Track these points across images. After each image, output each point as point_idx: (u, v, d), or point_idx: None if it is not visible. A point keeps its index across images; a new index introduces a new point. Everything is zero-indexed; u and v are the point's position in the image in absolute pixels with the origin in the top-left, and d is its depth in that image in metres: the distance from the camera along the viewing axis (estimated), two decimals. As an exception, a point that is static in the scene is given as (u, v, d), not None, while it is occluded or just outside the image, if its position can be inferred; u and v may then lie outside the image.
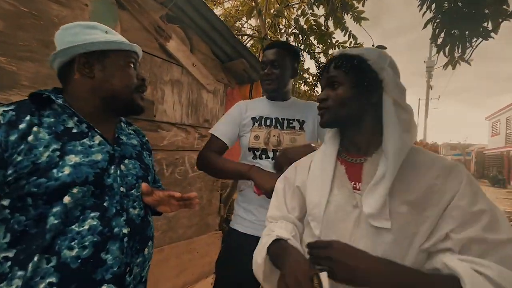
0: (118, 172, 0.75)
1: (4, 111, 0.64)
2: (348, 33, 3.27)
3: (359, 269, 0.56)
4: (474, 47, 2.66)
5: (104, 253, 0.67)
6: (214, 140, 1.20)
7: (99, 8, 1.26)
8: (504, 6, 1.79)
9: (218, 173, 1.25)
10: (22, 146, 0.62)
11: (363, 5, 3.50)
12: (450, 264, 0.54)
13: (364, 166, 0.70)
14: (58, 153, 0.66)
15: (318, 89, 4.32)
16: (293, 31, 3.43)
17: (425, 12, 2.75)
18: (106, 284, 0.66)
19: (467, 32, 2.54)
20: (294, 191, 0.81)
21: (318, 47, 3.63)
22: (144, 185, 0.77)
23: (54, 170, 0.64)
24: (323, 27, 3.42)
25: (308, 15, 3.49)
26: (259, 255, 0.71)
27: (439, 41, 2.71)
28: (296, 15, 3.58)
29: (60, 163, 0.65)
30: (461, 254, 0.55)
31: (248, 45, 4.14)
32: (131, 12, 1.41)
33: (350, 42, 3.27)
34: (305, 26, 3.51)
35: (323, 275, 0.55)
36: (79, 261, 0.63)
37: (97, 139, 0.74)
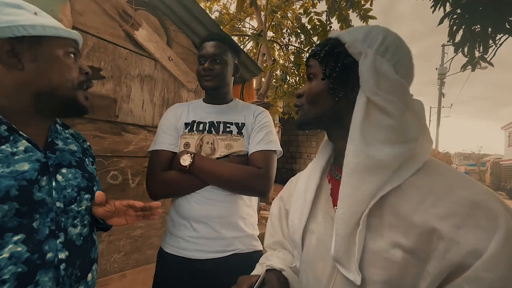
0: (54, 183, 0.62)
1: None
2: (354, 32, 3.02)
3: None
4: (498, 45, 2.35)
5: (32, 287, 0.54)
6: (158, 156, 1.01)
7: (42, -17, 1.04)
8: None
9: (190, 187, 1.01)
10: None
11: (371, 4, 3.26)
12: None
13: (342, 184, 0.50)
14: None
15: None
16: (295, 30, 3.20)
17: (435, 8, 2.47)
18: None
19: (490, 28, 2.22)
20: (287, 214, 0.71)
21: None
22: (99, 194, 0.65)
23: None
24: (327, 27, 3.19)
25: (312, 14, 3.26)
26: None
27: (457, 38, 2.41)
28: (298, 13, 3.36)
29: None
30: None
31: (248, 46, 3.93)
32: (87, -8, 1.19)
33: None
34: (308, 26, 3.28)
35: None
36: None
37: (23, 144, 0.60)
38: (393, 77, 0.47)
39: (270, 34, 4.01)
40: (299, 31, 3.07)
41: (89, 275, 0.68)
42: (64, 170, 0.66)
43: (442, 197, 0.41)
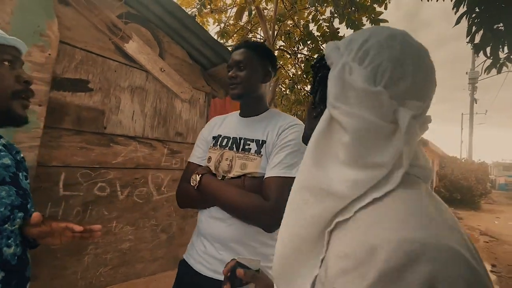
0: None
1: None
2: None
3: None
4: (526, 44, 2.11)
5: None
6: (187, 168, 1.05)
7: (29, 1, 1.07)
8: None
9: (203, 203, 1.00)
10: None
11: (385, 8, 3.12)
12: None
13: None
14: None
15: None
16: (303, 38, 3.14)
17: (457, 9, 2.29)
18: None
19: (515, 26, 2.01)
20: None
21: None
22: (36, 215, 0.62)
23: None
24: (337, 33, 3.09)
25: (320, 21, 3.19)
26: None
27: (478, 39, 2.21)
28: (306, 21, 3.29)
29: None
30: None
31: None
32: (75, 8, 1.22)
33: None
34: (317, 33, 3.21)
35: None
36: None
37: None
38: (359, 86, 0.38)
39: (280, 43, 3.98)
40: (306, 38, 3.00)
41: None
42: None
43: (356, 234, 0.32)
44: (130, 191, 1.45)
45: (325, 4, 2.51)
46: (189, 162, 1.06)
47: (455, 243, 0.29)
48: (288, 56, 3.96)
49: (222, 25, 3.26)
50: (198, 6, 2.70)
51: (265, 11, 3.45)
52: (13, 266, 0.62)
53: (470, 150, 18.46)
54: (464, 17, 2.22)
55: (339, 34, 2.80)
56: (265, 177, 0.89)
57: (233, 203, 0.87)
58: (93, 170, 1.31)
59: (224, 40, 3.17)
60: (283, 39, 3.68)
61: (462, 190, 9.59)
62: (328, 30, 3.15)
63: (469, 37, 2.21)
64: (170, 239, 1.65)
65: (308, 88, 3.66)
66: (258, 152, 0.93)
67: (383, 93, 0.38)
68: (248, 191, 0.89)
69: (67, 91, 1.21)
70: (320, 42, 3.04)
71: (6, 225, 0.62)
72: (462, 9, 2.26)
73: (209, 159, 1.00)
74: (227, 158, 0.96)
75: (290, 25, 3.72)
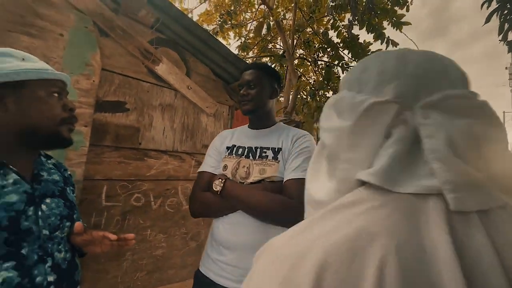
0: (39, 213, 0.68)
1: None
2: (386, 40, 2.85)
3: None
4: None
5: None
6: (200, 177, 1.09)
7: (76, 37, 1.24)
8: None
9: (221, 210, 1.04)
10: None
11: (407, 10, 3.06)
12: None
13: None
14: None
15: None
16: (322, 45, 3.16)
17: (489, 4, 2.18)
18: None
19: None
20: None
21: (355, 60, 3.27)
22: (78, 225, 0.70)
23: None
24: (357, 39, 3.07)
25: (340, 28, 3.19)
26: None
27: (511, 36, 2.08)
28: (325, 29, 3.31)
29: None
30: None
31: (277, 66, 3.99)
32: (114, 38, 1.37)
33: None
34: (336, 40, 3.21)
35: None
36: None
37: (11, 177, 0.65)
38: (331, 100, 0.39)
39: (300, 51, 4.02)
40: (326, 46, 3.01)
41: None
42: (48, 200, 0.71)
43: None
44: (162, 201, 1.56)
45: (343, 12, 2.52)
46: (202, 171, 1.09)
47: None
48: (308, 63, 3.99)
49: (243, 39, 3.39)
50: (220, 23, 2.85)
51: (283, 21, 3.53)
52: (63, 270, 0.69)
53: (515, 151, 16.85)
54: (495, 14, 2.11)
55: (359, 40, 2.78)
56: (285, 179, 0.95)
57: (260, 204, 0.90)
58: (130, 182, 1.44)
59: (245, 53, 3.29)
60: (302, 47, 3.72)
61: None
62: (348, 36, 3.14)
63: (501, 34, 2.09)
64: (199, 247, 1.73)
65: (329, 94, 3.65)
66: (275, 158, 1.00)
67: (339, 100, 0.37)
68: None
69: (107, 112, 1.36)
70: (340, 49, 3.04)
71: (57, 233, 0.71)
72: (493, 5, 2.15)
73: (225, 167, 1.05)
74: (244, 166, 1.02)
75: (309, 32, 3.75)
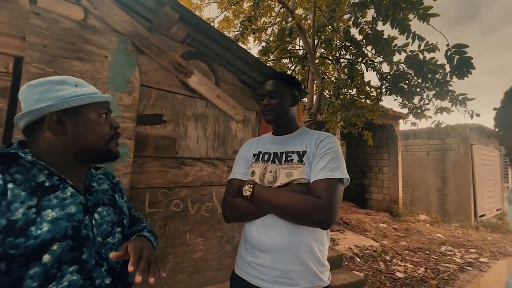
0: (94, 221, 0.73)
1: None
2: (412, 35, 2.75)
3: None
4: None
5: None
6: (231, 184, 1.14)
7: (118, 57, 1.35)
8: None
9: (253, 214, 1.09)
10: (3, 203, 0.61)
11: (434, -1, 2.92)
12: None
13: None
14: (34, 210, 0.64)
15: (383, 103, 3.72)
16: (344, 44, 3.11)
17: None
18: None
19: None
20: None
21: (379, 56, 3.18)
22: (112, 255, 0.70)
23: (32, 228, 0.62)
24: (381, 35, 2.99)
25: (362, 24, 3.13)
26: None
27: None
28: (346, 27, 3.25)
29: (38, 219, 0.63)
30: None
31: (299, 66, 3.98)
32: (149, 55, 1.47)
33: (419, 45, 2.73)
34: (359, 37, 3.14)
35: None
36: None
37: (69, 190, 0.72)
38: None
39: (321, 50, 3.98)
40: (348, 44, 2.96)
41: None
42: (100, 209, 0.77)
43: None
44: (198, 206, 1.64)
45: (365, 9, 2.48)
46: (231, 179, 1.15)
47: None
48: (330, 62, 3.94)
49: (264, 43, 3.43)
50: (241, 29, 2.91)
51: (302, 21, 3.52)
52: (118, 273, 0.74)
53: None
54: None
55: (384, 36, 2.71)
56: (312, 180, 0.97)
57: (289, 205, 0.93)
58: (170, 189, 1.53)
59: (267, 57, 3.33)
60: (323, 46, 3.68)
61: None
62: (371, 32, 3.06)
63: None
64: (234, 249, 1.79)
65: (353, 92, 3.58)
66: (300, 161, 1.02)
67: None
68: None
69: (147, 124, 1.46)
70: (363, 46, 2.98)
71: (109, 239, 0.76)
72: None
73: (253, 173, 1.09)
74: (271, 170, 1.05)
75: (329, 31, 3.71)
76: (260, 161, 1.11)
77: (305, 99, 3.14)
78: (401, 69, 3.12)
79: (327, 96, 3.61)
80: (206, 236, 1.66)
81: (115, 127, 0.83)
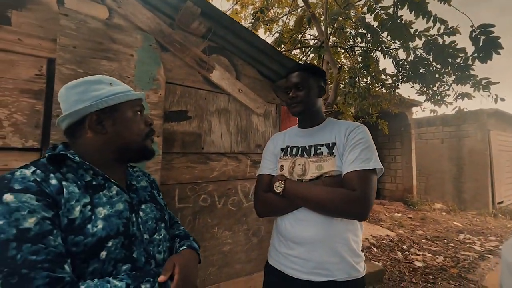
0: (139, 219, 0.74)
1: (31, 171, 0.64)
2: (432, 18, 2.65)
3: None
4: None
5: None
6: (261, 179, 1.15)
7: (143, 55, 1.35)
8: None
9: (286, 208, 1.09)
10: (62, 201, 0.63)
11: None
12: None
13: None
14: (89, 207, 0.66)
15: (400, 90, 3.62)
16: (359, 31, 3.03)
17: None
18: None
19: None
20: None
21: (395, 42, 3.09)
22: (162, 279, 0.67)
23: (89, 226, 0.63)
24: (398, 20, 2.89)
25: (377, 10, 3.04)
26: None
27: None
28: (362, 13, 3.16)
29: (93, 217, 0.65)
30: None
31: (311, 56, 3.92)
32: (173, 52, 1.47)
33: (438, 29, 2.63)
34: (374, 23, 3.05)
35: None
36: None
37: (114, 189, 0.73)
38: None
39: (333, 39, 3.90)
40: (364, 31, 2.88)
41: None
42: (143, 206, 0.77)
43: None
44: (225, 201, 1.66)
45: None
46: (261, 174, 1.15)
47: None
48: (343, 51, 3.86)
49: (277, 34, 3.38)
50: (253, 21, 2.87)
51: (316, 10, 3.45)
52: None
53: None
54: None
55: (402, 21, 2.62)
56: (344, 172, 0.96)
57: (323, 199, 0.93)
58: (197, 184, 1.55)
59: (279, 49, 3.29)
60: (336, 35, 3.60)
61: None
62: (387, 18, 2.97)
63: None
64: (260, 242, 1.81)
65: (368, 80, 3.51)
66: (330, 153, 1.02)
67: None
68: None
69: (174, 121, 1.47)
70: (379, 33, 2.89)
71: (155, 236, 0.77)
72: None
73: (282, 167, 1.10)
74: (299, 164, 1.05)
75: (342, 18, 3.62)
76: (289, 155, 1.11)
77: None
78: (419, 55, 3.03)
79: (342, 85, 3.55)
80: (233, 229, 1.68)
81: (150, 124, 0.83)
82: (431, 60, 2.92)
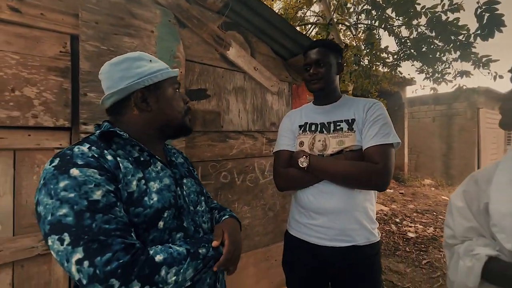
0: (184, 192, 0.77)
1: (87, 148, 0.65)
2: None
3: None
4: None
5: None
6: (279, 155, 1.18)
7: (163, 31, 1.32)
8: None
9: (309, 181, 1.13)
10: (120, 175, 0.65)
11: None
12: None
13: None
14: (143, 181, 0.68)
15: (401, 69, 3.64)
16: (364, 7, 2.99)
17: None
18: None
19: None
20: (479, 207, 0.79)
21: (398, 19, 3.07)
22: (215, 243, 0.73)
23: (146, 198, 0.66)
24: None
25: (382, -15, 2.97)
26: (470, 279, 0.73)
27: None
28: (367, -12, 3.10)
29: (147, 190, 0.68)
30: None
31: (313, 33, 3.86)
32: (191, 28, 1.44)
33: (443, 5, 2.62)
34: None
35: None
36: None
37: (159, 165, 0.75)
38: None
39: (337, 16, 3.84)
40: (369, 7, 2.85)
41: None
42: (185, 180, 0.80)
43: None
44: (243, 177, 1.71)
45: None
46: (279, 150, 1.17)
47: None
48: (344, 28, 3.81)
49: (282, 10, 3.29)
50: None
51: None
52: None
53: None
54: None
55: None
56: (366, 147, 1.02)
57: (348, 172, 0.99)
58: (218, 162, 1.58)
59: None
60: (339, 12, 3.54)
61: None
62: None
63: None
64: (275, 215, 1.89)
65: (370, 58, 3.51)
66: (350, 129, 1.06)
67: None
68: None
69: (194, 100, 1.47)
70: (385, 8, 2.86)
71: (198, 207, 0.80)
72: None
73: (301, 143, 1.13)
74: (319, 140, 1.10)
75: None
76: (308, 131, 1.14)
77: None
78: (421, 32, 3.04)
79: (345, 64, 3.56)
80: (252, 204, 1.75)
81: (187, 102, 0.84)
82: (433, 37, 2.94)
